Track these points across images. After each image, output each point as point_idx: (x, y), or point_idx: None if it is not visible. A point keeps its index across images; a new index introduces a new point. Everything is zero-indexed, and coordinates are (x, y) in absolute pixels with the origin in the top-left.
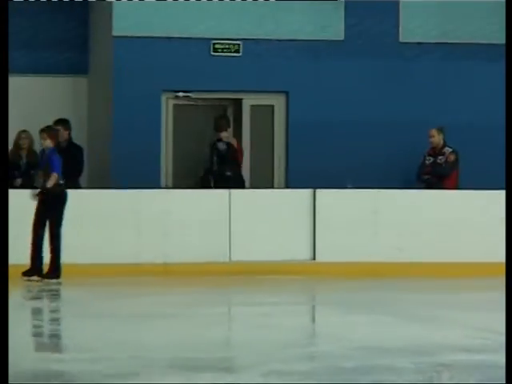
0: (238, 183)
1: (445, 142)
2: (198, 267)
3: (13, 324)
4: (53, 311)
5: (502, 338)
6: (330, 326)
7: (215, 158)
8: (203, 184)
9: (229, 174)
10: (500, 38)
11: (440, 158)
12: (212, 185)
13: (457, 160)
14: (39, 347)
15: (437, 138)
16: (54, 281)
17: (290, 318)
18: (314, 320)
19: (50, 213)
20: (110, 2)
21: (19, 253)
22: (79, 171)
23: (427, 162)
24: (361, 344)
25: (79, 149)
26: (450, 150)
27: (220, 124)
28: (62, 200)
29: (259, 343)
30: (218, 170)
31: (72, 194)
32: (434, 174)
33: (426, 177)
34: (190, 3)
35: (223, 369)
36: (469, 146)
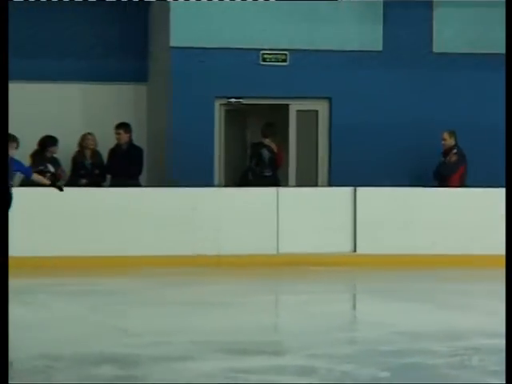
0: (274, 182)
1: (456, 144)
2: (249, 259)
3: (84, 312)
4: (115, 300)
5: None
6: (369, 313)
7: (254, 159)
8: (241, 182)
9: (266, 174)
10: None
11: (447, 158)
12: (250, 182)
13: (459, 160)
14: (107, 332)
15: (448, 141)
16: None
17: (333, 305)
18: (354, 307)
19: None
20: (168, 15)
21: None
22: (139, 171)
23: (442, 162)
24: (398, 329)
25: (139, 150)
26: (455, 150)
27: (264, 130)
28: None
29: (304, 328)
30: (256, 170)
31: (132, 191)
32: (440, 173)
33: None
34: (241, 16)
35: (272, 352)
36: (498, 148)
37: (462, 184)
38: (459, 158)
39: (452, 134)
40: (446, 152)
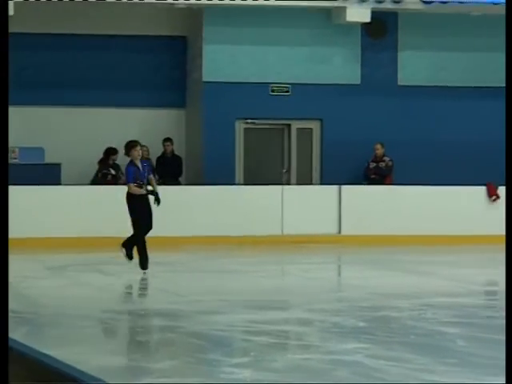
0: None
1: (384, 152)
2: (259, 239)
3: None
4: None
5: (474, 287)
6: (352, 278)
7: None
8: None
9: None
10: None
11: (381, 163)
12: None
13: (393, 165)
14: (153, 294)
15: (380, 150)
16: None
17: (325, 272)
18: (340, 274)
19: None
20: (201, 58)
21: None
22: (180, 173)
23: (371, 166)
24: (374, 291)
25: (180, 158)
26: (388, 158)
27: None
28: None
29: (303, 290)
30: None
31: (174, 189)
32: (379, 174)
33: (373, 176)
34: (255, 58)
35: (279, 308)
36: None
37: (392, 182)
38: (393, 163)
39: (383, 145)
40: (378, 159)
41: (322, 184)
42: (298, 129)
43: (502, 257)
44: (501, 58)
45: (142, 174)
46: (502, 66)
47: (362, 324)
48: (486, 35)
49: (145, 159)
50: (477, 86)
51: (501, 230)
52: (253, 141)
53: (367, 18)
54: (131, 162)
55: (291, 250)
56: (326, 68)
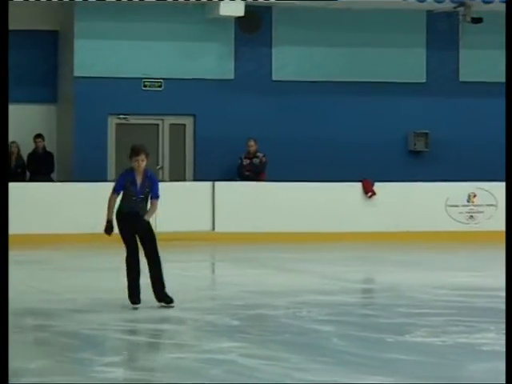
0: None
1: (258, 149)
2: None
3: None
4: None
5: (349, 285)
6: (225, 276)
7: None
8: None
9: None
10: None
11: (255, 160)
12: None
13: (266, 162)
14: (25, 292)
15: (254, 147)
16: None
17: (197, 270)
18: (214, 272)
19: None
20: (72, 52)
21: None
22: (51, 170)
23: (244, 163)
24: (247, 288)
25: (51, 155)
26: (262, 154)
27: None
28: None
29: (176, 288)
30: None
31: (45, 186)
32: (253, 171)
33: (247, 173)
34: (127, 53)
35: (152, 306)
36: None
37: (266, 179)
38: (266, 159)
39: (256, 141)
40: (252, 155)
41: (195, 180)
42: (170, 124)
43: (377, 254)
44: (375, 54)
45: (137, 191)
46: (376, 62)
47: (236, 323)
48: (362, 30)
49: (16, 155)
50: (351, 81)
51: (377, 226)
52: (125, 137)
53: (241, 13)
54: (129, 171)
55: (164, 247)
56: (200, 63)
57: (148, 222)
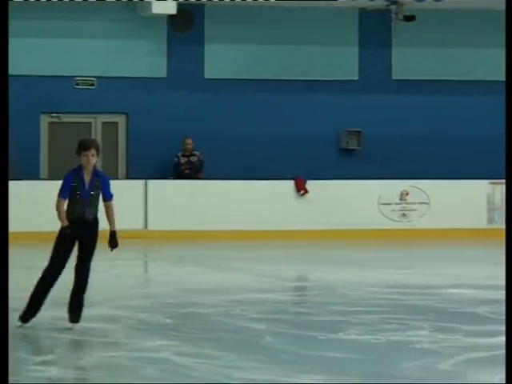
0: None
1: (194, 146)
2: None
3: None
4: None
5: (283, 283)
6: (158, 274)
7: None
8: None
9: None
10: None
11: (193, 158)
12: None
13: (203, 159)
14: None
15: (191, 145)
16: None
17: (130, 268)
18: (147, 270)
19: None
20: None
21: None
22: None
23: (182, 161)
24: (180, 287)
25: None
26: (199, 152)
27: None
28: None
29: (109, 286)
30: None
31: None
32: (193, 169)
33: (187, 171)
34: (61, 51)
35: (85, 304)
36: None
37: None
38: (203, 157)
39: (192, 139)
40: (188, 153)
41: (127, 178)
42: (103, 123)
43: (310, 252)
44: (307, 51)
45: (85, 192)
46: (308, 59)
47: (168, 321)
48: (294, 28)
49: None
50: (284, 79)
51: (310, 225)
52: (58, 135)
53: (173, 11)
54: (76, 169)
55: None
56: (132, 61)
57: (96, 234)
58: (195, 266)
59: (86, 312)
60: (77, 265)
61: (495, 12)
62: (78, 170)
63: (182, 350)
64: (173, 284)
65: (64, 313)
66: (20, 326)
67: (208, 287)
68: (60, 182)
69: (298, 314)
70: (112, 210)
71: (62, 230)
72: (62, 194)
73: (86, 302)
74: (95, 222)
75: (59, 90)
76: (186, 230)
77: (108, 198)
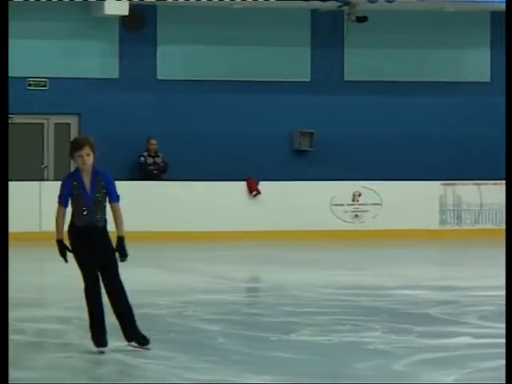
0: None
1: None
2: (16, 235)
3: None
4: None
5: (235, 284)
6: None
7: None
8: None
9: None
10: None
11: (157, 158)
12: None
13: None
14: None
15: (155, 146)
16: None
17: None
18: None
19: None
20: None
21: None
22: None
23: (149, 161)
24: (133, 288)
25: None
26: (161, 154)
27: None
28: None
29: (61, 287)
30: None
31: None
32: (160, 170)
33: (155, 172)
34: (11, 53)
35: (36, 305)
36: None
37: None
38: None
39: (157, 140)
40: (152, 153)
41: None
42: (55, 124)
43: (263, 253)
44: (259, 52)
45: (88, 197)
46: (261, 60)
47: None
48: (246, 28)
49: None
50: (236, 79)
51: (262, 225)
52: (10, 136)
53: (125, 12)
54: (74, 172)
55: (48, 246)
56: (84, 62)
57: (109, 241)
58: (146, 266)
59: (38, 313)
60: (106, 286)
61: (447, 13)
62: (76, 173)
63: (134, 351)
64: (126, 284)
65: (19, 313)
66: (102, 352)
67: (160, 288)
68: (11, 183)
69: (250, 315)
70: (120, 213)
71: (58, 244)
72: (62, 200)
73: (40, 303)
74: (105, 228)
75: (11, 91)
76: (136, 231)
77: (114, 199)
